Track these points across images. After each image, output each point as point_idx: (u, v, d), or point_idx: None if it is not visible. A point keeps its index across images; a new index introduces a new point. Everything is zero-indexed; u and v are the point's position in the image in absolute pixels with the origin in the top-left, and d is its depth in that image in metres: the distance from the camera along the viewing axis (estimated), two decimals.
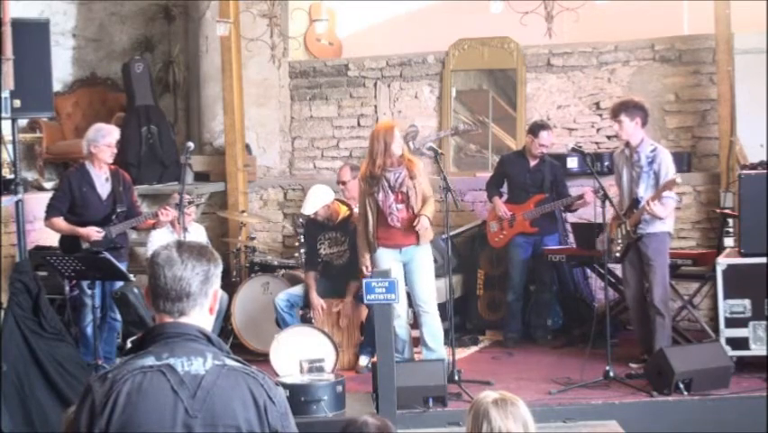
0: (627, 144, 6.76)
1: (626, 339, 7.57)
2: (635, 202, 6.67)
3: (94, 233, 6.74)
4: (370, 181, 6.61)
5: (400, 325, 6.63)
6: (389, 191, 6.56)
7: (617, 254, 6.74)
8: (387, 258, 6.62)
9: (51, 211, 6.84)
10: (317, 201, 7.21)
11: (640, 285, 6.84)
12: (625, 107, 6.71)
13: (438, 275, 6.93)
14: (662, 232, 6.73)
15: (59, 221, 6.83)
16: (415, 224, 6.51)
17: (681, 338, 7.13)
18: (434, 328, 6.63)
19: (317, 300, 7.20)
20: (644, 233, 6.65)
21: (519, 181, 7.81)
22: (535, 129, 7.74)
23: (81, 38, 9.95)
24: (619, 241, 6.70)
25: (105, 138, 6.88)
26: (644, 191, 6.64)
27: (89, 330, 6.75)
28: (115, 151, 6.98)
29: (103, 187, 6.92)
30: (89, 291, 6.57)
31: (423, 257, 6.66)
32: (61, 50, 9.53)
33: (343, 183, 7.78)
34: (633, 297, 6.89)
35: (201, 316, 2.52)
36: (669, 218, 6.75)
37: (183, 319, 2.50)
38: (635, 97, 6.98)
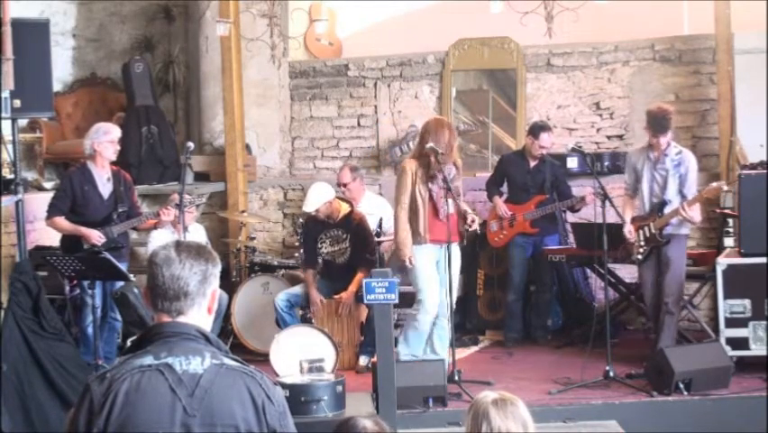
0: (651, 145, 6.74)
1: (626, 339, 7.57)
2: (661, 205, 6.66)
3: (96, 236, 6.73)
4: (423, 172, 6.45)
5: (442, 326, 6.52)
6: (442, 185, 6.42)
7: (639, 257, 6.71)
8: (426, 253, 6.49)
9: (53, 210, 6.83)
10: (318, 198, 7.20)
11: (658, 285, 6.81)
12: (666, 123, 6.57)
13: None
14: (684, 234, 6.76)
15: (61, 220, 6.82)
16: (470, 221, 6.42)
17: (681, 338, 7.12)
18: (444, 333, 6.58)
19: (316, 295, 7.19)
20: (670, 234, 6.64)
21: (519, 182, 7.80)
22: (536, 130, 7.72)
23: (81, 38, 9.95)
24: (642, 243, 6.67)
25: (108, 134, 6.89)
26: (671, 194, 6.63)
27: (90, 330, 6.73)
28: (118, 147, 6.98)
29: (104, 186, 6.91)
30: (90, 291, 6.56)
31: (456, 256, 6.53)
32: (61, 50, 9.53)
33: (344, 185, 7.77)
34: (652, 297, 6.81)
35: (199, 315, 2.52)
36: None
37: (181, 319, 2.50)
38: (657, 107, 6.81)
